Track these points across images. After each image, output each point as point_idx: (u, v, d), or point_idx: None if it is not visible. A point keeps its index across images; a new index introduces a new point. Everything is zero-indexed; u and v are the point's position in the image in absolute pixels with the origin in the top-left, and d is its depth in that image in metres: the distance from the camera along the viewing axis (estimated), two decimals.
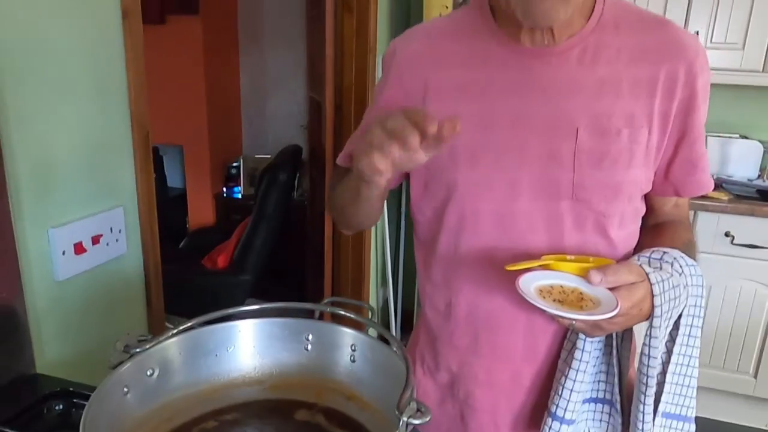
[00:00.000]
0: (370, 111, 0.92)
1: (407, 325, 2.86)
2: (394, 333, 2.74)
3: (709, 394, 2.39)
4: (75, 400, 0.89)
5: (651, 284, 0.69)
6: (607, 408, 0.84)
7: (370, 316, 0.77)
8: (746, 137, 2.60)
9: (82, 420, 0.56)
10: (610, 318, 0.65)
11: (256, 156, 3.81)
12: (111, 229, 1.12)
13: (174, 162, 3.86)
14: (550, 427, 0.81)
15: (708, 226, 2.30)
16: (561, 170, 0.79)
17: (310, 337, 0.78)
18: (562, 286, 0.69)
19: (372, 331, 0.80)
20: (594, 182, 0.78)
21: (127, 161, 1.16)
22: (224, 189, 3.79)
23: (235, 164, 3.78)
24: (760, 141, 2.55)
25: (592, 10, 0.79)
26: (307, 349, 0.79)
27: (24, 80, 0.93)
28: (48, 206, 1.00)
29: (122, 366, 0.67)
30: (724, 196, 2.30)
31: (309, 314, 0.82)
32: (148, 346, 0.69)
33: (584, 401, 0.83)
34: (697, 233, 2.31)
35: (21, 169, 0.93)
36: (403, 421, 0.54)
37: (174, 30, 3.33)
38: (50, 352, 1.02)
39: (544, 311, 0.66)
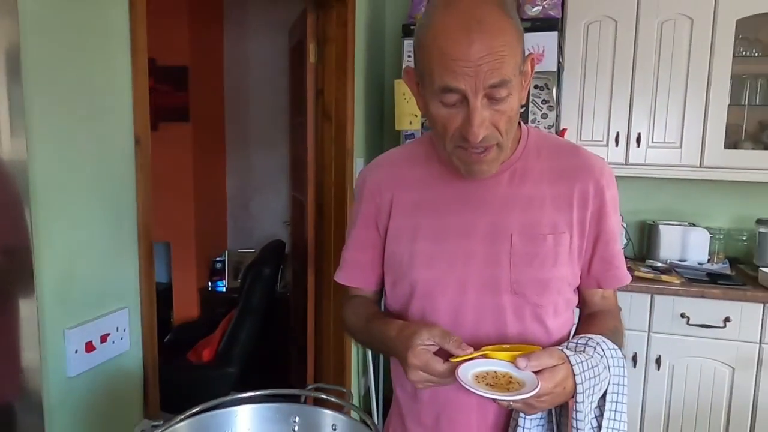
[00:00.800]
0: (352, 229, 1.11)
1: (388, 408, 2.92)
2: (376, 419, 2.80)
3: None
4: None
5: (572, 365, 0.85)
6: None
7: (348, 399, 0.90)
8: (694, 225, 2.85)
9: None
10: (536, 397, 0.79)
11: (240, 251, 3.98)
12: (117, 328, 1.25)
13: (160, 257, 4.00)
14: None
15: (665, 308, 2.48)
16: (500, 269, 0.96)
17: (297, 419, 0.92)
18: (495, 372, 0.84)
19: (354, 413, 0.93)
20: (527, 278, 0.95)
21: (132, 269, 1.32)
22: (209, 283, 3.91)
23: (219, 259, 3.93)
24: (707, 228, 2.78)
25: (518, 141, 1.00)
26: (294, 430, 0.92)
27: (52, 204, 1.10)
28: (65, 311, 1.14)
29: None
30: (676, 280, 2.50)
31: (295, 398, 0.96)
32: (159, 431, 0.82)
33: None
34: (654, 315, 2.49)
35: (46, 279, 1.09)
36: None
37: (166, 136, 3.59)
38: None
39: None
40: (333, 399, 0.90)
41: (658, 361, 2.49)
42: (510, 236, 0.96)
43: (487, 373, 0.84)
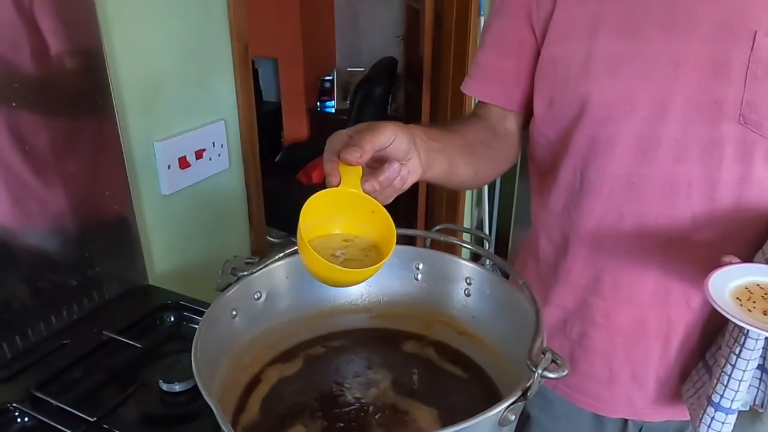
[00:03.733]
0: (493, 20, 0.80)
1: (501, 247, 2.77)
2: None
3: None
4: (185, 314, 0.91)
5: None
6: (758, 374, 0.72)
7: (487, 247, 0.69)
8: None
9: (194, 343, 0.54)
10: None
11: (349, 69, 3.72)
12: (213, 143, 1.10)
13: (269, 75, 3.86)
14: (713, 418, 0.70)
15: None
16: (727, 85, 0.65)
17: (421, 266, 0.73)
18: (758, 285, 0.55)
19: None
20: None
21: (227, 74, 1.12)
22: (318, 103, 3.76)
23: (328, 78, 3.72)
24: None
25: None
26: (417, 279, 0.73)
27: None
28: (151, 120, 0.98)
29: (230, 289, 0.64)
30: None
31: (413, 241, 0.76)
32: (255, 270, 0.66)
33: None
34: None
35: (125, 83, 0.91)
36: (537, 374, 0.47)
37: None
38: (160, 264, 1.05)
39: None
40: (468, 246, 0.69)
41: None
42: (753, 34, 0.63)
43: (749, 289, 0.55)
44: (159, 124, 0.99)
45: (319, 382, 0.67)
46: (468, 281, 0.70)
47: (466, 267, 0.70)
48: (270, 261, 0.68)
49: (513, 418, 0.49)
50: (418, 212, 2.63)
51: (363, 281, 0.56)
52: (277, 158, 3.52)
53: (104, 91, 0.85)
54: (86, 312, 0.89)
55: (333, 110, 3.72)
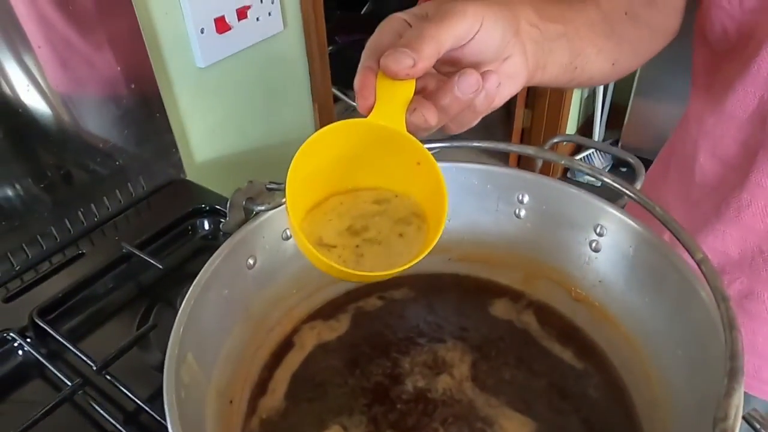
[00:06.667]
0: None
1: (614, 122, 2.36)
2: (596, 133, 2.29)
3: None
4: (223, 220, 0.74)
5: None
6: None
7: (637, 184, 0.44)
8: None
9: (172, 335, 0.36)
10: None
11: None
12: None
13: None
14: None
15: None
16: None
17: (526, 199, 0.49)
18: None
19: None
20: None
21: None
22: None
23: None
24: None
25: None
26: (518, 216, 0.50)
27: None
28: None
29: (246, 227, 0.45)
30: None
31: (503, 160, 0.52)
32: (281, 202, 0.45)
33: None
34: None
35: None
36: None
37: None
38: (200, 153, 0.87)
39: None
40: (609, 180, 0.44)
41: None
42: None
43: None
44: None
45: (369, 354, 0.48)
46: (599, 231, 0.46)
47: (598, 209, 0.45)
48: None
49: None
50: (515, 120, 2.14)
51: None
52: (364, 9, 3.16)
53: None
54: (106, 216, 0.74)
55: None
